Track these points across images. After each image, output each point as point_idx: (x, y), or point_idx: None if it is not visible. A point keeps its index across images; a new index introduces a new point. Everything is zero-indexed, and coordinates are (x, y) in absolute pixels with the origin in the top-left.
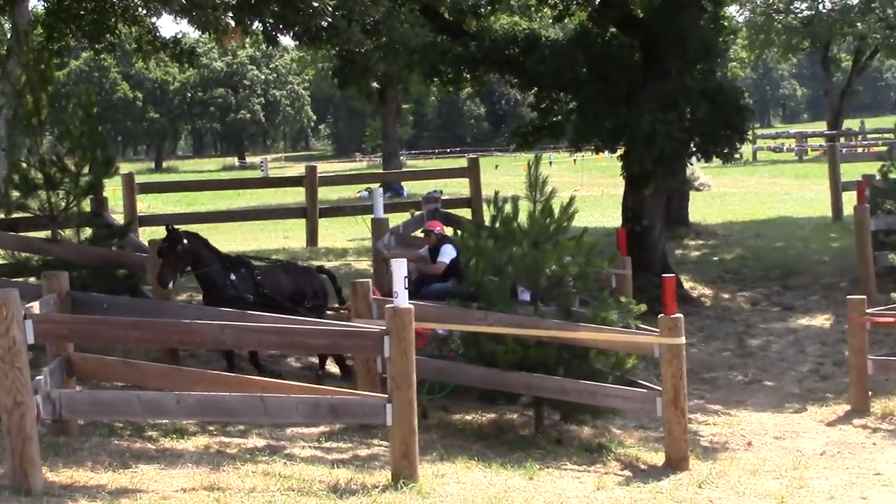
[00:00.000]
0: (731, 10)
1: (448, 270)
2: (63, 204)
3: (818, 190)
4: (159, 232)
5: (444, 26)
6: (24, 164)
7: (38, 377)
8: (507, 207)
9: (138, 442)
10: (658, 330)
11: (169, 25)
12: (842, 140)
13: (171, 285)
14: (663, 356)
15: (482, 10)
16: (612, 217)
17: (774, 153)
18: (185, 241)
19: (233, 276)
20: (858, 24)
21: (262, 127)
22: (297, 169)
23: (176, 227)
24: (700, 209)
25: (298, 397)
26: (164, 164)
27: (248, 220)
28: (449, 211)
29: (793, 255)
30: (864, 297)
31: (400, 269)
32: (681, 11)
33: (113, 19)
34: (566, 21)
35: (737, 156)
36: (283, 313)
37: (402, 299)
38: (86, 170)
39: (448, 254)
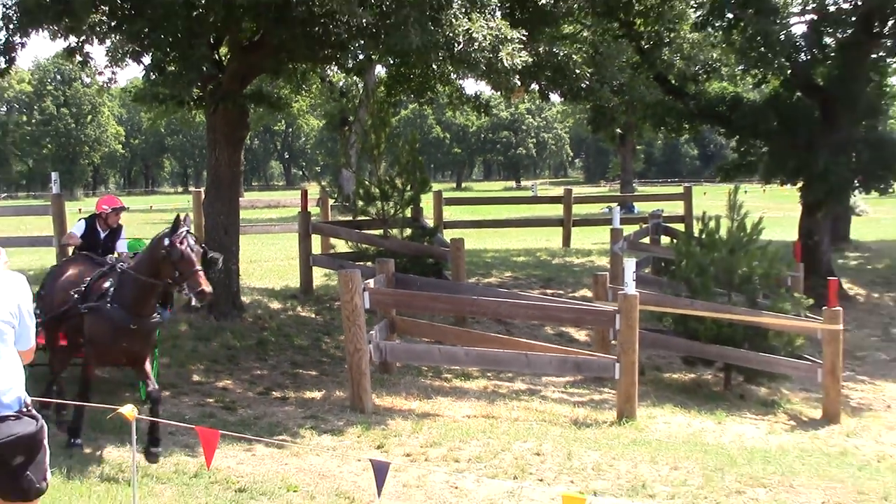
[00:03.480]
0: (893, 80)
1: None
2: (392, 211)
3: None
4: (458, 233)
5: (671, 89)
6: (367, 183)
7: (370, 332)
8: (711, 224)
9: (437, 381)
10: (822, 318)
11: (471, 85)
12: None
13: None
14: (825, 338)
15: (700, 77)
16: (790, 233)
17: None
18: None
19: None
20: None
21: (533, 160)
22: (558, 191)
23: None
24: (858, 229)
25: (552, 355)
26: (463, 185)
27: (522, 227)
28: (668, 224)
29: None
30: None
31: (630, 266)
32: (854, 81)
33: (433, 81)
34: (763, 87)
35: (891, 190)
36: None
37: (630, 288)
38: (408, 188)
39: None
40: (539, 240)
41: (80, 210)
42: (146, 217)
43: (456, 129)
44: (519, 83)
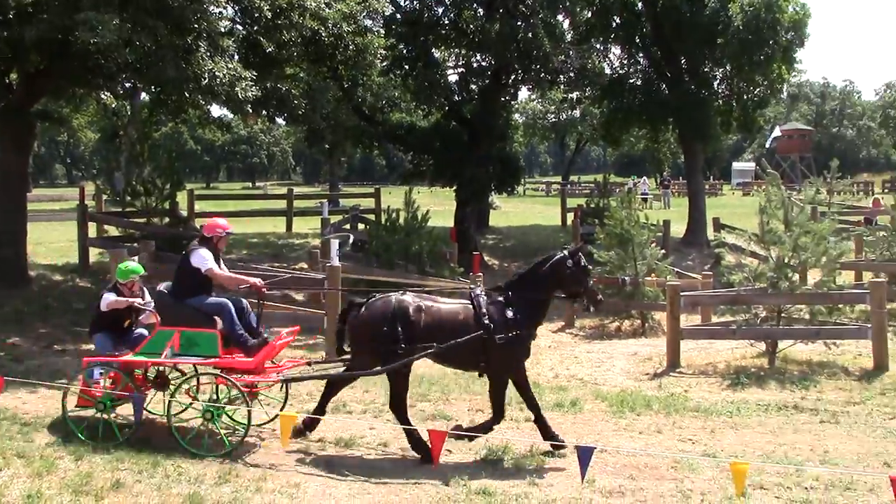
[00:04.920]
0: (516, 116)
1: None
2: (153, 204)
3: (555, 211)
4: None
5: (365, 117)
6: (134, 182)
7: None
8: (394, 215)
9: None
10: (469, 281)
11: (216, 110)
12: (568, 186)
13: None
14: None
15: (385, 109)
16: (449, 221)
17: (534, 191)
18: None
19: None
20: (579, 126)
21: (265, 166)
22: (283, 190)
23: None
24: (495, 218)
25: (278, 312)
26: (211, 185)
27: (255, 217)
28: (363, 215)
29: (541, 243)
30: None
31: (335, 244)
32: (490, 115)
33: (186, 106)
34: (430, 117)
35: (515, 191)
36: None
37: (335, 261)
38: (167, 186)
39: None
40: (269, 226)
41: None
42: None
43: (205, 142)
44: (251, 110)
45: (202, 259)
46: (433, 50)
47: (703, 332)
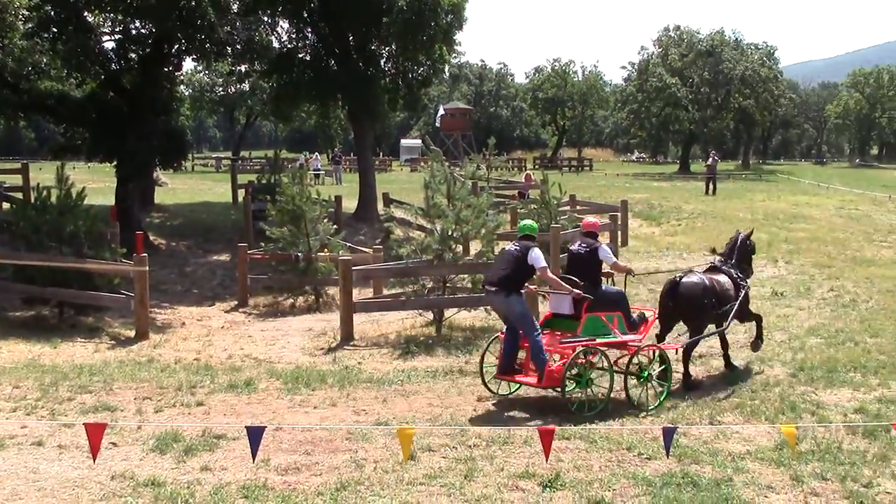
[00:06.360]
0: (182, 88)
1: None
2: None
3: (226, 187)
4: None
5: (7, 84)
6: None
7: None
8: (45, 193)
9: None
10: (133, 262)
11: None
12: (239, 161)
13: None
14: (135, 277)
15: (31, 76)
16: (110, 199)
17: (204, 167)
18: None
19: None
20: (249, 100)
21: None
22: None
23: None
24: (161, 195)
25: None
26: None
27: None
28: (9, 193)
29: (211, 221)
30: (246, 244)
31: None
32: (152, 86)
33: None
34: (84, 86)
35: (183, 167)
36: None
37: None
38: None
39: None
40: None
41: None
42: None
43: None
44: None
45: (608, 254)
46: (86, 13)
47: (375, 304)
